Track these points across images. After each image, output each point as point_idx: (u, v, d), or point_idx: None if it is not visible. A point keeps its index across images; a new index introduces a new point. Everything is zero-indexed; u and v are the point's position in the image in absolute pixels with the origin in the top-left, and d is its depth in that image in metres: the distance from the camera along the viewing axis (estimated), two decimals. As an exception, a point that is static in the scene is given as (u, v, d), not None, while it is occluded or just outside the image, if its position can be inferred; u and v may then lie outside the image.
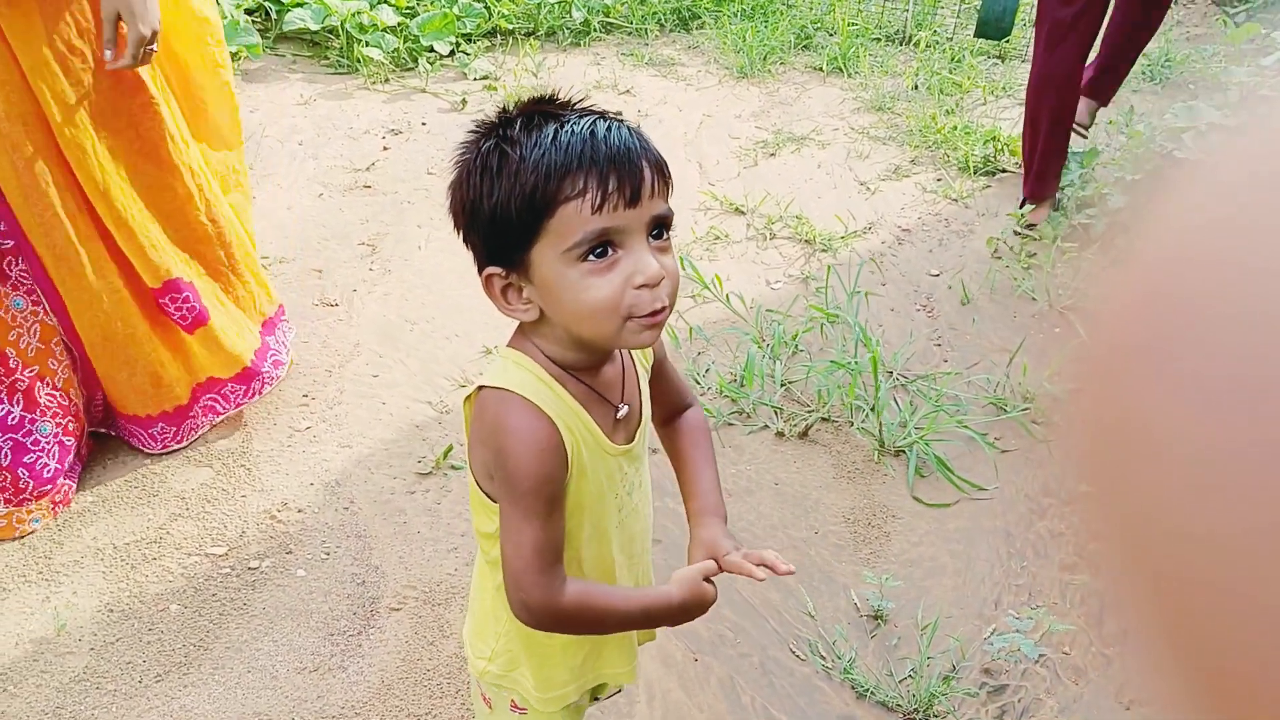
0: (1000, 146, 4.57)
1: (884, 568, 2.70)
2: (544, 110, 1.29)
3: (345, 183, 4.12)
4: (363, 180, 4.14)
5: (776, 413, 3.16)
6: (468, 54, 5.08)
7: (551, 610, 1.35)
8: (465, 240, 1.34)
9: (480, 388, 1.34)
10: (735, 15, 5.65)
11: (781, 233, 3.99)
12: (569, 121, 1.26)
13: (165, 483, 2.83)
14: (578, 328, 1.28)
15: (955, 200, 4.29)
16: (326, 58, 4.99)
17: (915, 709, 2.34)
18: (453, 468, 2.93)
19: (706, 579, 1.47)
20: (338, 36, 4.95)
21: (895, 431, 3.06)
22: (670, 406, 1.58)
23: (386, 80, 4.86)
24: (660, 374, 1.54)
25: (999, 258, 3.95)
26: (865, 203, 4.26)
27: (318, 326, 3.41)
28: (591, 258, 1.22)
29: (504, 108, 1.32)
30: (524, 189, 1.23)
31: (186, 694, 2.29)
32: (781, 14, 5.67)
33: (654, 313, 1.25)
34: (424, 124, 4.57)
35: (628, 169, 1.23)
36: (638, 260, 1.24)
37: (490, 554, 1.45)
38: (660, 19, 5.59)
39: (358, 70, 4.86)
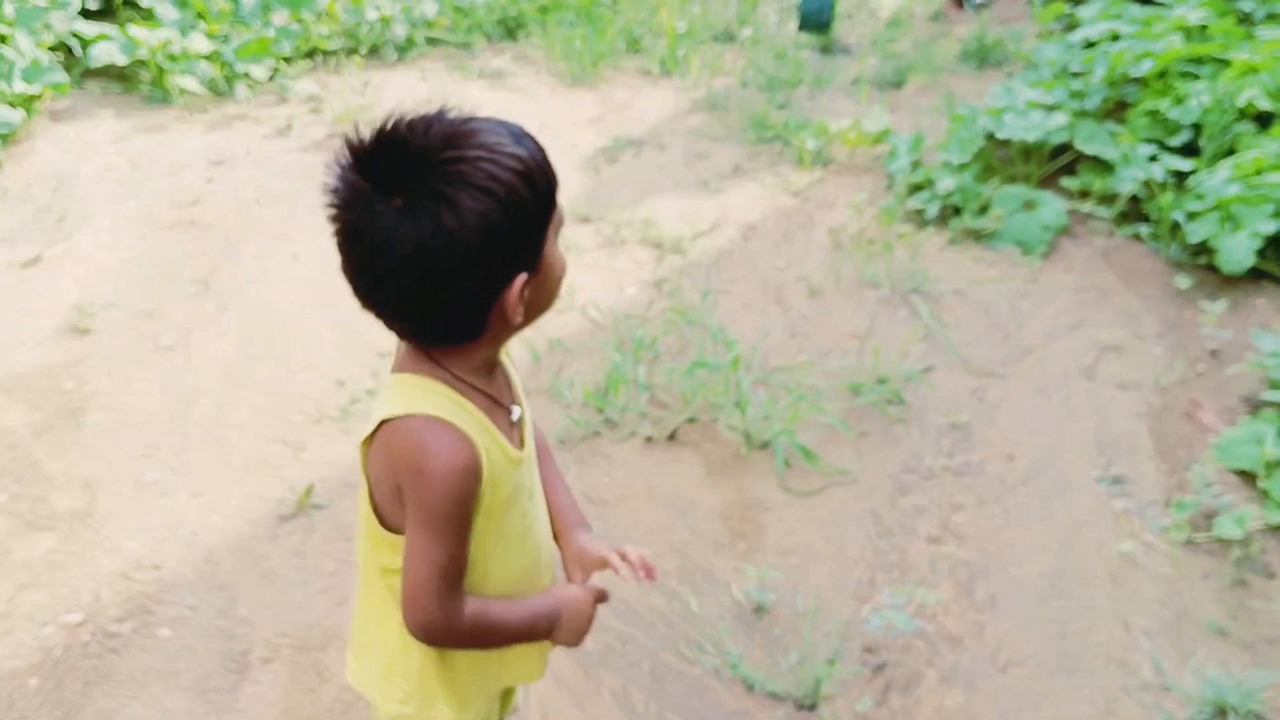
0: (831, 138, 4.68)
1: (762, 560, 2.72)
2: (440, 124, 1.20)
3: (169, 219, 3.93)
4: (188, 216, 3.96)
5: (643, 418, 3.15)
6: (288, 77, 4.92)
7: (452, 629, 1.35)
8: (458, 281, 1.21)
9: (384, 421, 1.28)
10: (561, 23, 5.63)
11: (631, 238, 3.99)
12: (471, 119, 1.22)
13: (9, 552, 2.64)
14: (554, 295, 1.33)
15: (794, 194, 4.37)
16: (138, 90, 4.75)
17: (804, 696, 2.36)
18: (315, 507, 2.83)
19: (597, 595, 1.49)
20: (148, 68, 4.72)
21: (760, 425, 3.09)
22: None
23: (204, 110, 4.67)
24: None
25: (841, 247, 4.05)
26: (709, 202, 4.30)
27: (154, 372, 3.24)
28: None
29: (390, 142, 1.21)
30: (549, 182, 1.24)
31: (49, 776, 2.13)
32: (608, 19, 5.69)
33: None
34: (248, 152, 4.40)
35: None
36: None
37: (395, 589, 1.40)
38: (485, 30, 5.53)
39: (172, 101, 4.65)
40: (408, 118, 1.22)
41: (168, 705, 2.30)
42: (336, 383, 3.26)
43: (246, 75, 4.80)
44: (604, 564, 1.49)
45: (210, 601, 2.56)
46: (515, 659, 1.54)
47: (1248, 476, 2.87)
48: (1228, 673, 2.35)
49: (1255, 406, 3.14)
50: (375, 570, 1.44)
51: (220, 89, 4.77)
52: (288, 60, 4.99)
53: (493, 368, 1.38)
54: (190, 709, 2.30)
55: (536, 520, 1.48)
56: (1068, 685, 2.38)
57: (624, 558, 1.48)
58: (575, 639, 1.48)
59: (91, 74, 4.82)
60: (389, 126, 1.21)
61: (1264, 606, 2.52)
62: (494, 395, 1.36)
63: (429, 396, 1.29)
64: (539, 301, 1.30)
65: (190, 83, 4.61)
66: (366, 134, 1.22)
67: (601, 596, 1.50)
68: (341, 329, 3.47)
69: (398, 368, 1.36)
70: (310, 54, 5.12)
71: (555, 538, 1.56)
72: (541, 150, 1.24)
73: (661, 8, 5.81)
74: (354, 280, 1.29)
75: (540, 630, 1.45)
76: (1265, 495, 2.76)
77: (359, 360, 3.36)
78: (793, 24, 5.80)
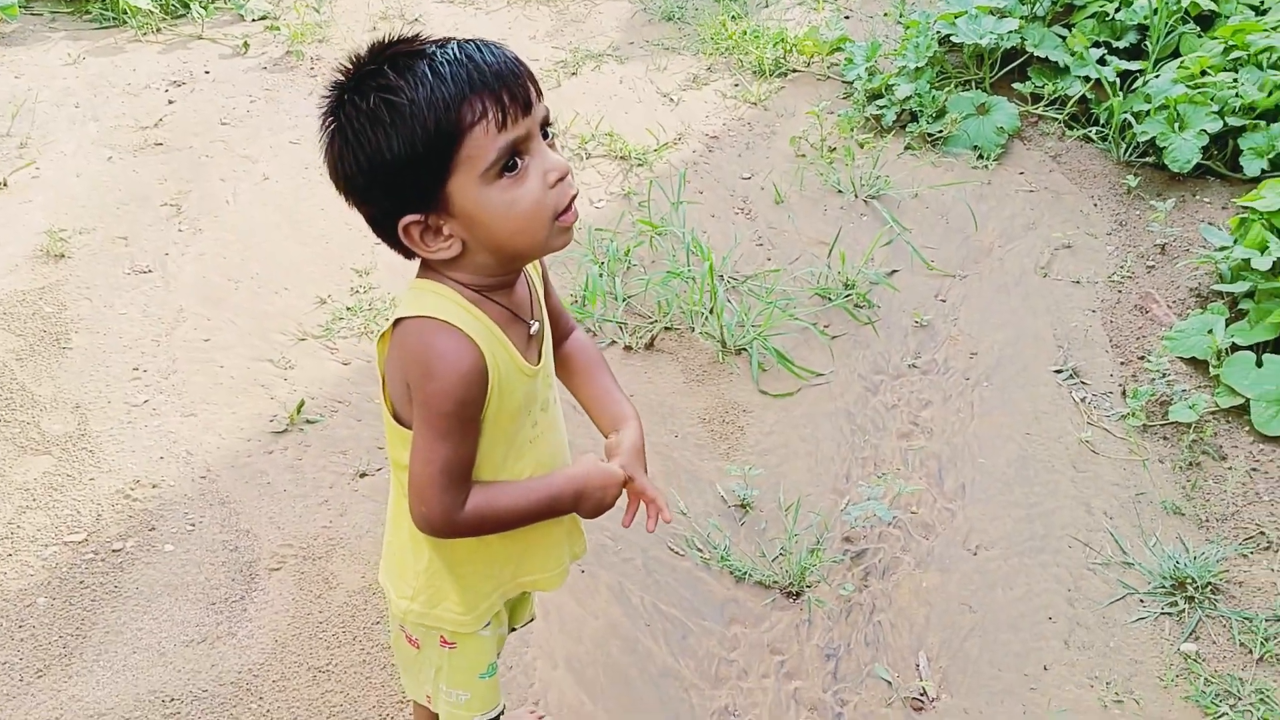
0: (789, 47, 4.72)
1: (743, 460, 2.85)
2: (401, 51, 1.29)
3: (134, 142, 3.90)
4: (152, 138, 3.93)
5: (621, 328, 3.24)
6: (242, -6, 4.84)
7: (453, 522, 1.41)
8: (363, 201, 1.34)
9: (399, 320, 1.36)
10: (515, -66, 5.57)
11: (596, 151, 4.04)
12: (435, 53, 1.27)
13: (4, 476, 2.68)
14: (511, 242, 1.33)
15: (755, 104, 4.43)
16: (88, 11, 4.65)
17: (790, 583, 2.51)
18: (308, 422, 2.90)
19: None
20: (98, -12, 4.63)
21: (735, 332, 3.20)
22: (558, 329, 1.63)
23: (158, 30, 4.59)
24: (548, 294, 1.58)
25: (803, 155, 4.12)
26: (671, 114, 4.34)
27: (134, 296, 3.26)
28: (506, 173, 1.27)
29: (354, 61, 1.31)
30: (427, 128, 1.25)
31: (74, 684, 2.22)
32: (561, -70, 5.63)
33: (570, 203, 1.34)
34: (207, 72, 4.35)
35: (515, 80, 1.29)
36: (545, 160, 1.32)
37: (406, 483, 1.48)
38: (439, -57, 5.46)
39: (125, 22, 4.56)
40: (389, 38, 1.32)
41: (178, 617, 2.39)
42: (317, 301, 3.31)
43: (200, -7, 4.72)
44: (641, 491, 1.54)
45: (211, 516, 2.63)
46: (537, 563, 1.61)
47: (1199, 365, 3.04)
48: (1184, 548, 2.53)
49: (1204, 299, 3.31)
50: (393, 464, 1.53)
51: (173, 8, 4.68)
52: (240, -24, 4.91)
53: (510, 282, 1.43)
54: (201, 619, 2.39)
55: (550, 432, 1.53)
56: (1035, 564, 2.55)
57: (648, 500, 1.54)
58: (600, 508, 1.50)
59: (36, -5, 4.71)
60: (377, 43, 1.32)
61: (1216, 486, 2.70)
62: (511, 308, 1.43)
63: (441, 301, 1.36)
64: (490, 241, 1.32)
65: (143, 2, 4.52)
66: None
67: (629, 481, 1.54)
68: (318, 248, 3.50)
69: (419, 273, 1.43)
70: (262, -30, 5.04)
71: (604, 428, 1.61)
72: (453, 92, 1.24)
73: (613, -83, 5.75)
74: None
75: (563, 503, 1.48)
76: (1216, 382, 2.93)
77: (338, 279, 3.40)
78: (744, -69, 5.79)
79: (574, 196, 1.35)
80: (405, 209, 1.31)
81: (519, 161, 1.29)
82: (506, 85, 1.27)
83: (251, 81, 4.31)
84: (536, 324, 1.48)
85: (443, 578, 1.54)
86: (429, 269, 1.40)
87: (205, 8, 4.66)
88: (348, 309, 3.28)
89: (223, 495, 2.68)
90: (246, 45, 4.52)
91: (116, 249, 3.42)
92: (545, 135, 1.34)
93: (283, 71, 4.39)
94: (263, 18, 4.70)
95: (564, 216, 1.34)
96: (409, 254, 1.38)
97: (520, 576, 1.62)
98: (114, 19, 4.59)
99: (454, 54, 1.27)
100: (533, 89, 1.31)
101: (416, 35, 1.33)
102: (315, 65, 4.45)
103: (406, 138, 1.25)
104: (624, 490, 1.54)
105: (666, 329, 3.25)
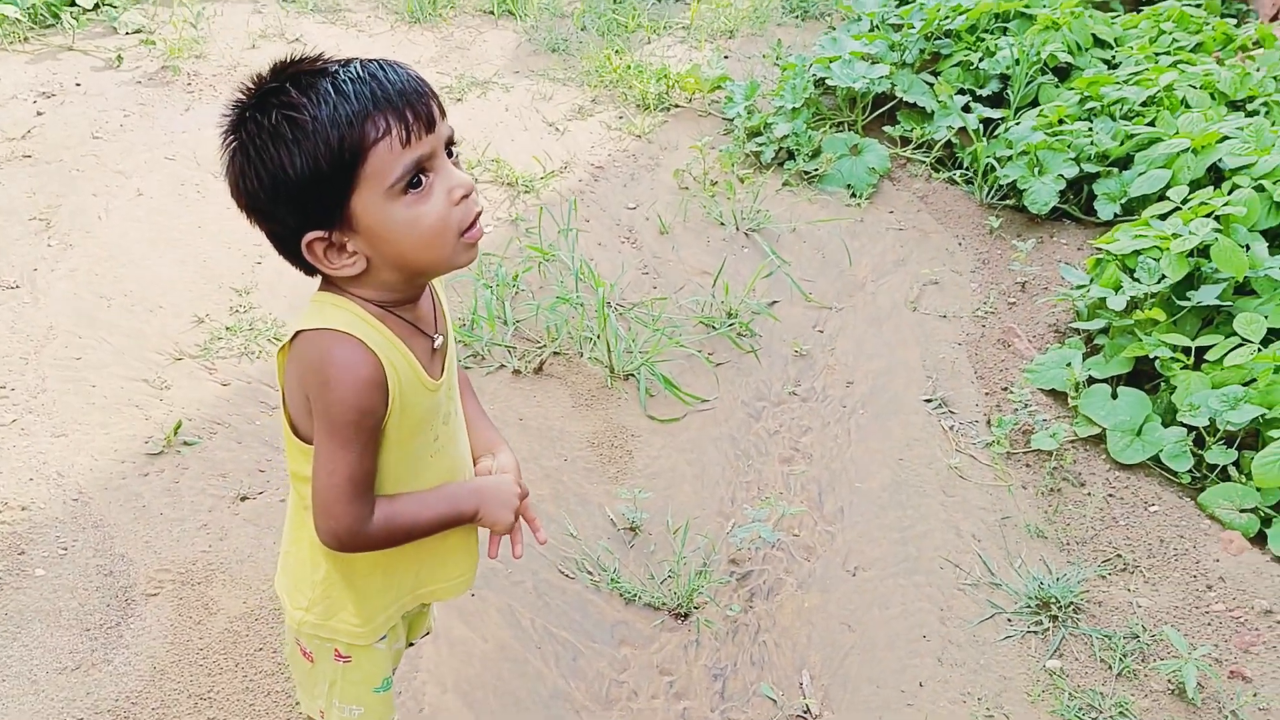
0: (671, 83, 4.83)
1: (632, 483, 2.89)
2: (304, 70, 1.30)
3: (1, 154, 3.74)
4: (20, 150, 3.78)
5: (510, 352, 3.26)
6: (115, 7, 4.69)
7: (360, 535, 1.42)
8: (266, 219, 1.33)
9: (298, 332, 1.36)
10: (397, -41, 5.56)
11: (483, 177, 4.05)
12: (338, 72, 1.29)
13: None
14: (416, 259, 1.34)
15: (639, 136, 4.51)
16: (-53, 16, 4.45)
17: (679, 605, 2.56)
18: (186, 443, 2.82)
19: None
20: (-42, -8, 4.43)
21: (623, 358, 3.25)
22: None
23: (25, 39, 4.41)
24: None
25: (686, 188, 4.22)
26: (557, 143, 4.39)
27: (0, 312, 3.12)
28: (411, 189, 1.29)
29: (257, 80, 1.31)
30: (330, 145, 1.26)
31: (-65, 719, 2.11)
32: (445, -43, 5.65)
33: (475, 219, 1.35)
34: (78, 84, 4.21)
35: (419, 97, 1.31)
36: (449, 177, 1.33)
37: (306, 499, 1.47)
38: (320, -36, 5.41)
39: (-12, 29, 4.39)
40: (292, 57, 1.33)
41: (50, 644, 2.29)
42: (195, 320, 3.23)
43: (72, 4, 4.55)
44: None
45: (85, 540, 2.54)
46: (436, 573, 1.61)
47: (1059, 396, 3.22)
48: (1048, 570, 2.68)
49: (1062, 334, 3.51)
50: (291, 477, 1.52)
51: (42, 18, 4.51)
52: (113, -12, 4.77)
53: (414, 297, 1.45)
54: (74, 646, 2.30)
55: (451, 445, 1.54)
56: (910, 585, 2.66)
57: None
58: (505, 512, 1.52)
59: (-111, -4, 4.48)
60: (279, 62, 1.33)
61: (1076, 511, 2.86)
62: (415, 322, 1.44)
63: (340, 313, 1.37)
64: (394, 257, 1.33)
65: (10, 10, 4.34)
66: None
67: (525, 493, 1.59)
68: (194, 266, 3.41)
69: (320, 287, 1.44)
70: (136, -17, 4.91)
71: (476, 458, 1.65)
72: (357, 109, 1.26)
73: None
74: None
75: (465, 512, 1.50)
76: (1075, 412, 3.11)
77: (215, 297, 3.32)
78: (627, -32, 5.91)
79: (479, 213, 1.38)
80: (308, 226, 1.31)
81: (423, 179, 1.31)
82: (410, 103, 1.29)
83: (125, 95, 4.19)
84: (440, 338, 1.49)
85: (340, 589, 1.54)
86: (331, 284, 1.40)
87: (77, 18, 4.51)
88: (227, 328, 3.21)
89: (96, 518, 2.59)
90: (120, 58, 4.38)
91: (-21, 263, 3.28)
92: (450, 154, 1.36)
93: (158, 86, 4.28)
94: (137, 31, 4.58)
95: (469, 233, 1.35)
96: (312, 271, 1.38)
97: (419, 588, 1.62)
98: (-24, 25, 4.41)
99: (358, 72, 1.29)
100: (436, 107, 1.33)
101: (320, 55, 1.34)
102: (192, 81, 4.35)
103: (310, 154, 1.26)
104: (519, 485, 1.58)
105: (555, 354, 3.28)
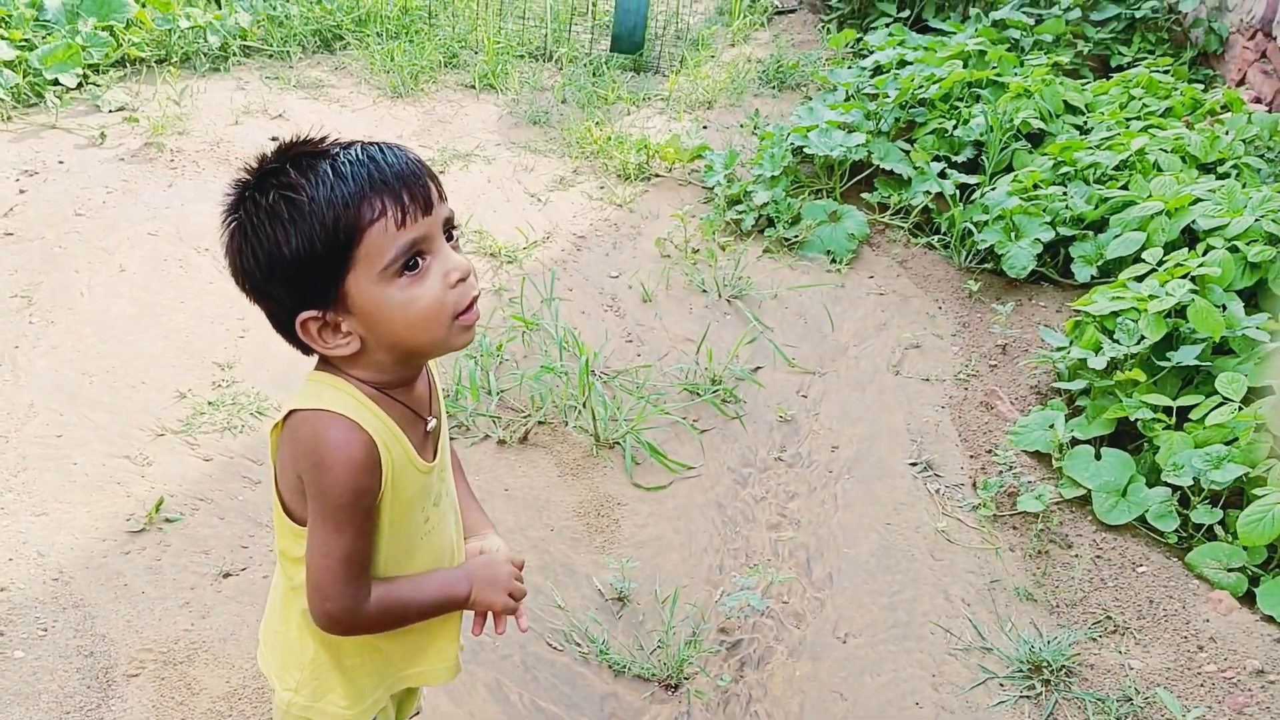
0: (652, 154, 4.90)
1: (619, 552, 2.87)
2: (305, 151, 1.32)
3: (-19, 232, 3.75)
4: (2, 228, 3.78)
5: (495, 422, 3.25)
6: (98, 85, 4.73)
7: (355, 618, 1.42)
8: (262, 297, 1.35)
9: (292, 411, 1.35)
10: (379, 36, 5.63)
11: (466, 248, 4.07)
12: (338, 154, 1.31)
13: None
14: (410, 340, 1.34)
15: (620, 206, 4.56)
16: (-68, 97, 4.48)
17: (669, 675, 2.52)
18: (167, 521, 2.79)
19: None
20: (-57, 73, 4.47)
21: (608, 426, 3.24)
22: None
23: (9, 118, 4.44)
24: None
25: (668, 256, 4.26)
26: (539, 213, 4.43)
27: (-21, 391, 3.10)
28: (407, 271, 1.29)
29: (259, 160, 1.34)
30: (325, 225, 1.27)
31: (-93, 810, 2.05)
32: (426, 34, 5.73)
33: (471, 303, 1.35)
34: (61, 162, 4.23)
35: (415, 181, 1.32)
36: (446, 260, 1.34)
37: (295, 579, 1.46)
38: (301, 41, 5.47)
39: (-28, 109, 4.42)
40: (294, 138, 1.35)
41: (28, 729, 2.25)
42: (177, 395, 3.21)
43: (55, 83, 4.59)
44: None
45: (65, 620, 2.50)
46: (422, 657, 1.60)
47: (1043, 458, 3.23)
48: (1039, 633, 2.66)
49: (1044, 395, 3.54)
50: (280, 557, 1.51)
51: (26, 98, 4.54)
52: (97, 69, 4.80)
53: (410, 379, 1.45)
54: (53, 731, 2.25)
55: (441, 527, 1.54)
56: (901, 651, 2.64)
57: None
58: (498, 593, 1.52)
59: (-125, 78, 4.51)
60: (282, 143, 1.35)
61: (1064, 573, 2.86)
62: (409, 404, 1.44)
63: (335, 394, 1.37)
64: (388, 338, 1.34)
65: (-8, 89, 4.39)
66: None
67: (515, 562, 1.59)
68: (177, 341, 3.41)
69: (316, 366, 1.44)
70: (121, 62, 4.93)
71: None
72: (352, 190, 1.27)
73: (478, 25, 5.89)
74: None
75: (458, 596, 1.50)
76: (1059, 473, 3.12)
77: (198, 372, 3.31)
78: (606, 43, 6.00)
79: (475, 297, 1.38)
80: (303, 305, 1.32)
81: (420, 261, 1.31)
82: (407, 185, 1.30)
83: (108, 172, 4.21)
84: (434, 420, 1.49)
85: (328, 670, 1.52)
86: (327, 363, 1.40)
87: (60, 97, 4.54)
88: (209, 403, 3.20)
89: (77, 598, 2.55)
90: (103, 136, 4.41)
91: (-40, 341, 3.26)
92: (449, 237, 1.37)
93: (141, 163, 4.31)
94: (120, 109, 4.61)
95: (465, 315, 1.36)
96: (308, 350, 1.39)
97: (407, 669, 1.60)
98: (-40, 106, 4.44)
99: (356, 155, 1.31)
100: (435, 190, 1.34)
101: (324, 138, 1.36)
102: (175, 157, 4.38)
103: (305, 234, 1.27)
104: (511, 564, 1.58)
105: (540, 423, 3.27)
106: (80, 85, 4.69)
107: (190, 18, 5.08)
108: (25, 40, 4.66)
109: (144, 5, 5.06)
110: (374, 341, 1.34)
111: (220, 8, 5.40)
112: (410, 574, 1.49)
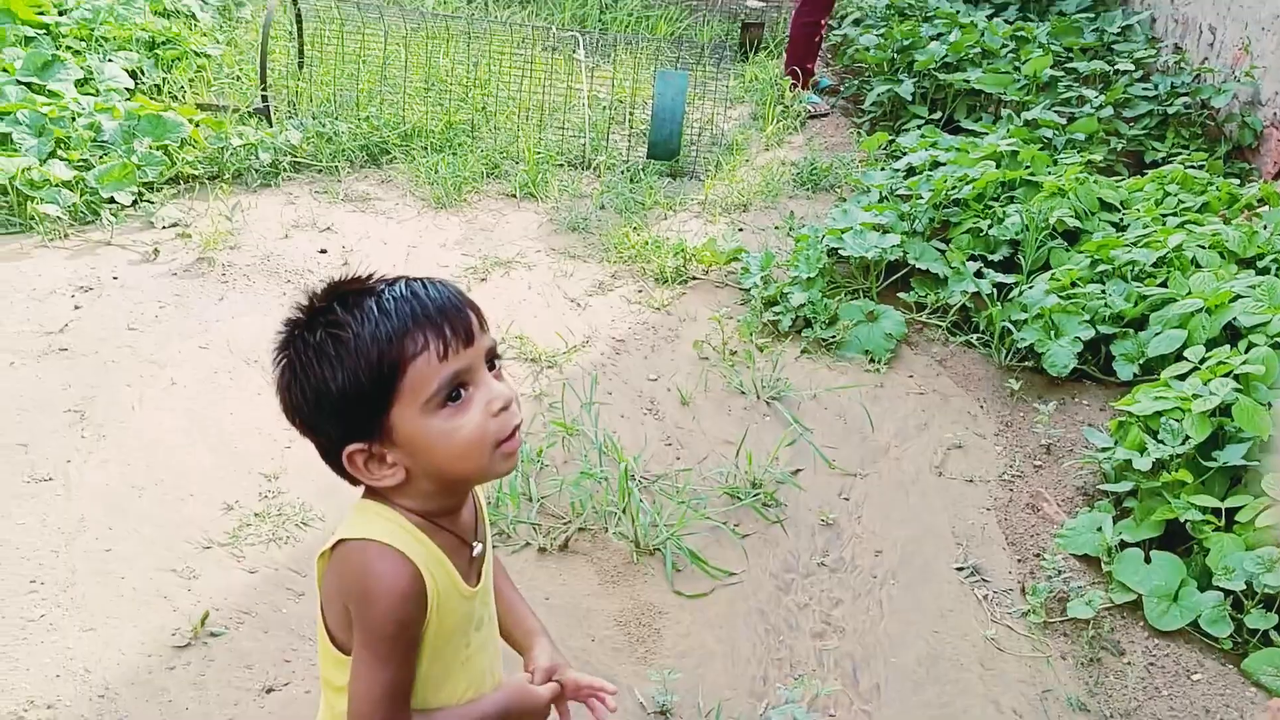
0: (688, 257, 4.96)
1: (661, 663, 2.84)
2: (351, 289, 1.38)
3: (37, 348, 3.85)
4: (57, 343, 3.89)
5: (535, 529, 3.26)
6: (153, 203, 4.90)
7: None
8: (312, 431, 1.39)
9: (340, 541, 1.38)
10: (424, 149, 5.80)
11: (507, 354, 4.13)
12: (383, 291, 1.36)
13: (-120, 703, 2.52)
14: (453, 469, 1.37)
15: (658, 309, 4.61)
16: (-7, 217, 4.66)
17: (713, 792, 2.48)
18: (212, 635, 2.81)
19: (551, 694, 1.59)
20: (6, 195, 4.63)
21: (648, 532, 3.24)
22: None
23: (66, 236, 4.60)
24: None
25: (706, 358, 4.29)
26: (578, 318, 4.49)
27: (32, 506, 3.16)
28: (450, 402, 1.33)
29: (309, 299, 1.39)
30: (370, 360, 1.32)
31: None
32: (469, 146, 5.89)
33: (513, 431, 1.38)
34: (115, 278, 4.36)
35: (456, 314, 1.36)
36: (489, 390, 1.37)
37: (337, 708, 1.47)
38: (349, 156, 5.65)
39: (32, 229, 4.57)
40: (343, 277, 1.41)
41: None
42: (224, 507, 3.26)
43: (111, 201, 4.75)
44: (574, 689, 1.62)
45: (109, 739, 2.51)
46: None
47: (1091, 561, 3.18)
48: (1091, 742, 2.60)
49: (1091, 497, 3.49)
50: (324, 685, 1.52)
51: (83, 216, 4.71)
52: (152, 186, 4.97)
53: (455, 507, 1.48)
54: None
55: (482, 652, 1.55)
56: (951, 763, 2.57)
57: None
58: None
59: (-59, 201, 4.70)
60: (331, 282, 1.41)
61: (1117, 682, 2.79)
62: (455, 530, 1.47)
63: (383, 523, 1.40)
64: (432, 468, 1.37)
65: (52, 209, 4.54)
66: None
67: (557, 694, 1.60)
68: (225, 453, 3.46)
69: (364, 494, 1.47)
70: (175, 180, 5.12)
71: (515, 644, 1.66)
72: (396, 326, 1.32)
73: (519, 136, 6.05)
74: None
75: None
76: (1109, 578, 3.06)
77: (245, 484, 3.36)
78: (642, 151, 6.13)
79: (518, 425, 1.41)
80: (350, 438, 1.36)
81: (462, 391, 1.36)
82: (448, 319, 1.35)
83: (161, 287, 4.33)
84: (480, 546, 1.51)
85: None
86: (374, 492, 1.44)
87: (116, 215, 4.70)
88: (255, 515, 3.24)
89: (121, 714, 2.56)
90: (157, 251, 4.55)
91: (15, 457, 3.33)
92: (492, 366, 1.41)
93: (193, 278, 4.43)
94: (174, 225, 4.76)
95: (507, 443, 1.39)
96: (356, 481, 1.42)
97: None
98: (21, 225, 4.59)
99: (400, 291, 1.37)
100: (476, 321, 1.39)
101: (371, 275, 1.42)
102: (227, 271, 4.50)
103: (351, 370, 1.32)
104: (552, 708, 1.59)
105: (581, 530, 3.27)
106: (135, 203, 4.86)
107: (242, 136, 5.27)
108: (83, 160, 4.84)
109: (197, 125, 5.25)
110: (419, 471, 1.38)
111: (271, 126, 5.59)
112: (448, 703, 1.49)
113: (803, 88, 7.00)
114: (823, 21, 7.06)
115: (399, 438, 1.35)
